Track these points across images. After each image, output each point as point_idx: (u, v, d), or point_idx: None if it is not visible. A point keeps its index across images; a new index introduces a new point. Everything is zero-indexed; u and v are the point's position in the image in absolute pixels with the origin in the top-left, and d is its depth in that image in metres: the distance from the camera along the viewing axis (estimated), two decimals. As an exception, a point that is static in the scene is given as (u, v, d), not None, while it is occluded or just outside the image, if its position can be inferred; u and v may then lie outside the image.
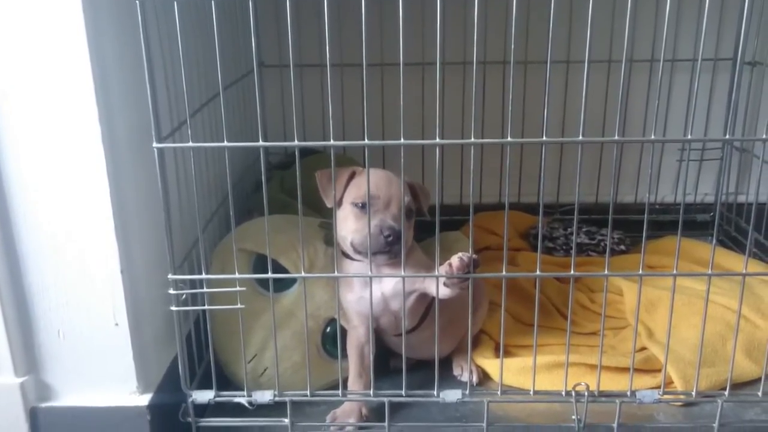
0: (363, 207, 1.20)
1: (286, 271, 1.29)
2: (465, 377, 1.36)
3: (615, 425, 1.21)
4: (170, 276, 1.12)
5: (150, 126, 1.04)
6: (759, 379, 1.26)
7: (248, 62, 1.72)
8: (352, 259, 1.25)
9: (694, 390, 1.23)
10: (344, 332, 1.31)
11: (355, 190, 1.22)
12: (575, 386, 1.21)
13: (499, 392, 1.24)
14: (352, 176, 1.24)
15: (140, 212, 1.16)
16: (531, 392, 1.23)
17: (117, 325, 1.12)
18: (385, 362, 1.42)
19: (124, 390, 1.16)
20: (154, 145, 1.04)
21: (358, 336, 1.29)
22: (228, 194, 1.12)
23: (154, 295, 1.20)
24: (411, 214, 1.25)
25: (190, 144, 1.07)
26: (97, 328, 1.13)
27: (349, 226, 1.22)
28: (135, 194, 1.14)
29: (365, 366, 1.28)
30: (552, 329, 1.53)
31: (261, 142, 1.07)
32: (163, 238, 1.10)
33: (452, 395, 1.21)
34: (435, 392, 1.21)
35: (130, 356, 1.14)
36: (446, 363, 1.41)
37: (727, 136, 1.81)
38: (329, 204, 1.23)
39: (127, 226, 1.11)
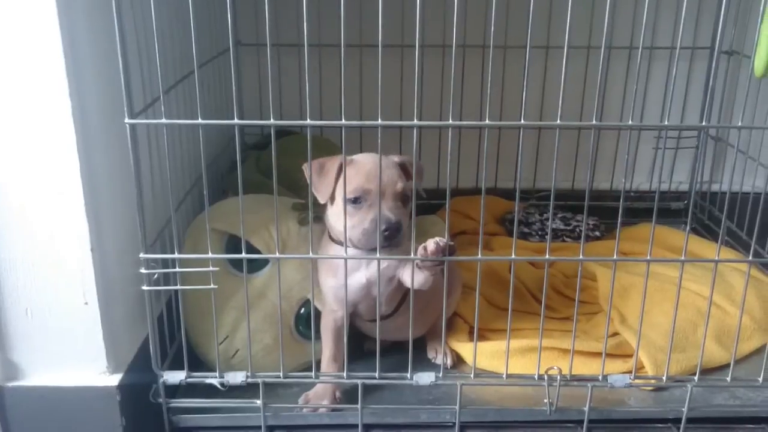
0: (355, 202, 1.17)
1: (257, 252, 1.28)
2: (439, 360, 1.36)
3: (586, 409, 1.22)
4: (142, 255, 1.10)
5: (122, 101, 1.02)
6: (728, 365, 1.27)
7: (225, 40, 1.69)
8: (340, 244, 1.24)
9: (665, 375, 1.24)
10: (318, 314, 1.30)
11: (346, 185, 1.17)
12: (548, 370, 1.22)
13: (472, 375, 1.24)
14: (341, 168, 1.18)
15: (112, 190, 1.14)
16: (504, 376, 1.24)
17: (87, 304, 1.11)
18: (359, 345, 1.41)
19: (94, 370, 1.15)
20: (126, 120, 1.02)
21: (335, 319, 1.28)
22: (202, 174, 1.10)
23: (125, 274, 1.18)
24: (407, 199, 1.20)
25: (164, 120, 1.05)
26: (66, 306, 1.11)
27: (344, 222, 1.17)
28: (106, 171, 1.11)
29: (340, 349, 1.28)
30: (526, 314, 1.53)
31: (236, 120, 1.06)
32: (135, 217, 1.08)
33: (425, 378, 1.21)
34: (408, 375, 1.21)
35: (100, 336, 1.13)
36: (420, 346, 1.41)
37: (704, 123, 1.83)
38: (322, 200, 1.20)
39: (97, 204, 1.09)
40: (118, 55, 0.99)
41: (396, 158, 1.22)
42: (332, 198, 1.20)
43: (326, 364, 1.29)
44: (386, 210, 1.16)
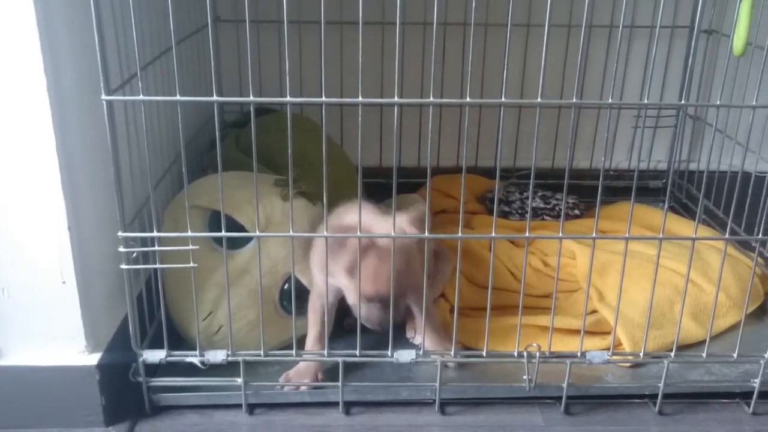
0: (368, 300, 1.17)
1: (241, 227, 1.27)
2: (417, 340, 1.37)
3: (565, 385, 1.24)
4: (120, 233, 1.09)
5: (99, 78, 1.00)
6: (704, 342, 1.29)
7: (204, 16, 1.67)
8: None
9: (642, 351, 1.26)
10: (301, 291, 1.29)
11: (363, 280, 1.14)
12: (527, 347, 1.23)
13: (452, 353, 1.25)
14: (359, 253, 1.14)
15: (89, 167, 1.12)
16: (484, 353, 1.25)
17: (64, 283, 1.10)
18: (339, 322, 1.41)
19: (73, 349, 1.14)
20: (103, 97, 1.00)
21: (323, 303, 1.27)
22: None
23: (103, 252, 1.17)
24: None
25: (141, 97, 1.03)
26: (43, 285, 1.10)
27: (349, 295, 1.20)
28: (83, 149, 1.10)
29: (325, 330, 1.27)
30: (505, 291, 1.54)
31: (215, 97, 1.04)
32: (113, 195, 1.07)
33: (406, 355, 1.22)
34: (389, 352, 1.21)
35: (78, 315, 1.12)
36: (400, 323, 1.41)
37: (683, 102, 1.84)
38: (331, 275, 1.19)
39: (74, 182, 1.07)
40: (93, 31, 0.97)
41: (411, 227, 1.18)
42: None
43: (311, 343, 1.29)
44: (395, 311, 1.17)
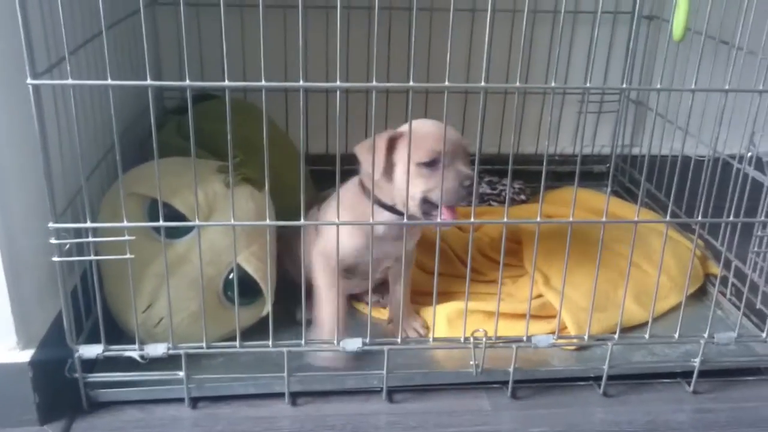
0: (431, 164, 1.17)
1: (182, 215, 1.23)
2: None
3: (511, 369, 1.24)
4: (51, 225, 1.04)
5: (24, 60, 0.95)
6: (646, 323, 1.31)
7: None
8: (386, 209, 1.25)
9: (587, 334, 1.27)
10: (245, 280, 1.26)
11: (414, 151, 1.14)
12: (474, 333, 1.23)
13: (399, 339, 1.24)
14: (393, 141, 1.20)
15: (16, 155, 1.07)
16: (430, 339, 1.24)
17: (-8, 276, 1.05)
18: (291, 314, 1.39)
19: (3, 346, 1.09)
20: (29, 81, 0.95)
21: (333, 274, 1.26)
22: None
23: (34, 244, 1.11)
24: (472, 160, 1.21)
25: (70, 81, 0.98)
26: (-32, 280, 1.05)
27: (418, 186, 1.18)
28: (9, 135, 1.04)
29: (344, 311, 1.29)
30: (453, 277, 1.54)
31: (149, 81, 1.00)
32: (44, 184, 1.02)
33: (352, 344, 1.20)
34: (335, 341, 1.20)
35: (8, 310, 1.07)
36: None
37: (625, 85, 1.87)
38: (377, 176, 1.19)
39: (1, 170, 1.02)
40: (17, 10, 0.92)
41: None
42: (390, 169, 1.21)
43: (332, 328, 1.24)
44: (463, 167, 1.19)
